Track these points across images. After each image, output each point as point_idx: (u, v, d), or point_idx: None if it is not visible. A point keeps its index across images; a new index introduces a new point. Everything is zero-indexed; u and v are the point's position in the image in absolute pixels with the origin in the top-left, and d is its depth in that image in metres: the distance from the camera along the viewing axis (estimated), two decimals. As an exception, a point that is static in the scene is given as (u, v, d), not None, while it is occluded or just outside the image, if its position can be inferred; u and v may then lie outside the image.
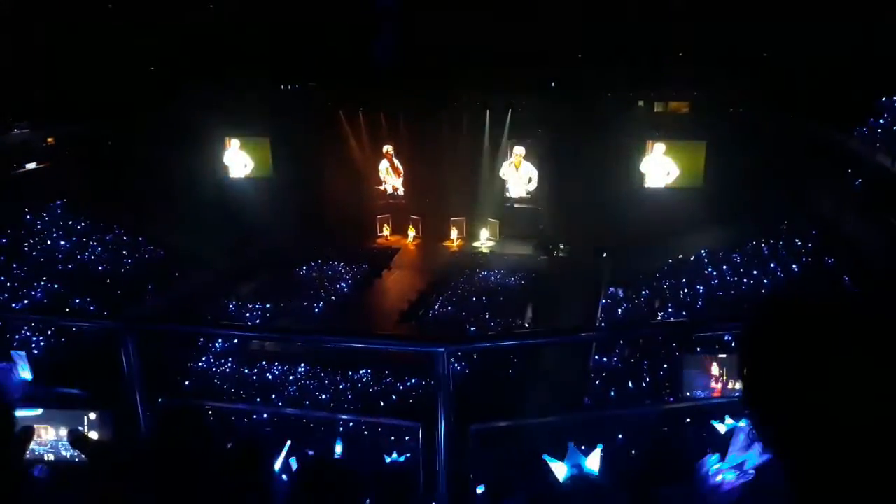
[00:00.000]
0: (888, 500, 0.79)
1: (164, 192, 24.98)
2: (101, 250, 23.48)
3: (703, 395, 2.82)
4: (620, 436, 9.59)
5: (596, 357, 16.99)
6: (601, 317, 20.50)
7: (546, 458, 3.84)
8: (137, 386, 3.14)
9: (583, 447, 4.58)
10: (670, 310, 19.59)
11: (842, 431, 0.81)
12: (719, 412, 4.90)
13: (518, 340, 3.23)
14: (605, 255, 24.50)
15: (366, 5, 30.13)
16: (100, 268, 22.59)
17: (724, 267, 21.12)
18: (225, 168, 30.63)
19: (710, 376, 2.86)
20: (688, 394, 2.81)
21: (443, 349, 2.89)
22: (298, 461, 4.19)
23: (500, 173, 29.43)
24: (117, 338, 3.05)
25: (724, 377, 2.79)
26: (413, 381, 16.19)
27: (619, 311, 20.43)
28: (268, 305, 22.26)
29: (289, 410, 9.95)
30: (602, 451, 4.27)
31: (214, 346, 18.66)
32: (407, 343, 3.08)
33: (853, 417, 0.80)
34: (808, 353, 0.84)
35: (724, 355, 2.78)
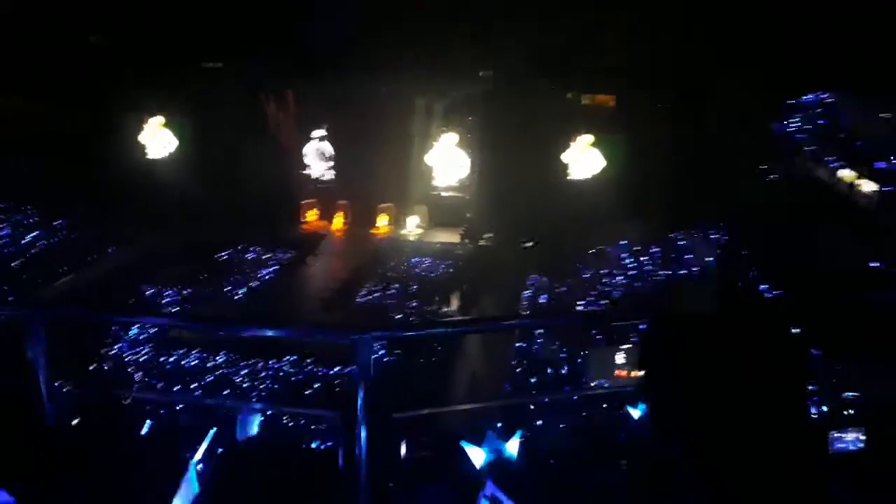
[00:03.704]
0: (755, 465, 0.89)
1: (78, 171, 23.83)
2: (9, 231, 22.31)
3: (607, 385, 2.98)
4: (539, 421, 9.85)
5: (517, 344, 17.32)
6: (524, 304, 20.88)
7: (464, 444, 3.91)
8: (42, 374, 3.02)
9: (503, 433, 4.68)
10: (592, 298, 20.15)
11: (720, 415, 0.90)
12: (634, 398, 5.10)
13: (440, 329, 3.25)
14: (529, 244, 24.90)
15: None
16: (5, 251, 21.47)
17: (643, 258, 21.85)
18: (143, 148, 29.47)
19: (614, 366, 3.02)
20: (592, 384, 2.97)
21: (365, 337, 2.89)
22: (220, 449, 4.12)
23: (428, 160, 29.41)
24: (23, 324, 2.93)
25: (629, 367, 2.96)
26: (337, 368, 16.07)
27: (542, 299, 20.86)
28: (186, 291, 21.63)
29: (207, 400, 9.76)
30: (521, 437, 4.38)
31: (130, 333, 18.04)
32: (328, 331, 3.07)
33: (730, 402, 0.89)
34: (690, 349, 0.93)
35: (629, 346, 2.94)
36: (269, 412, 10.45)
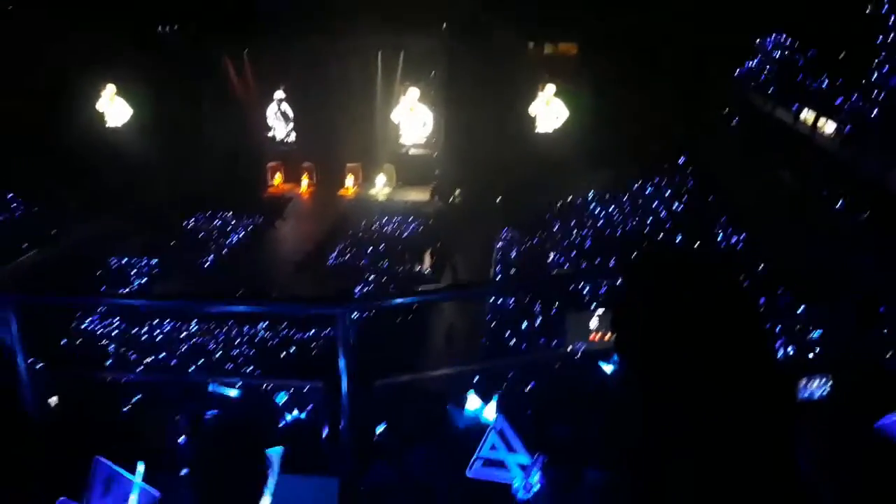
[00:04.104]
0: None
1: (34, 142, 23.10)
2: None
3: (583, 347, 3.11)
4: (518, 375, 10.02)
5: (492, 300, 17.51)
6: (497, 259, 21.04)
7: (450, 408, 3.99)
8: (19, 360, 3.01)
9: (482, 391, 4.77)
10: (562, 248, 20.38)
11: (688, 368, 0.98)
12: (606, 354, 5.23)
13: (417, 297, 3.28)
14: (499, 198, 24.96)
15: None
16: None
17: (612, 208, 22.07)
18: (101, 116, 28.68)
19: (588, 330, 3.14)
20: (570, 347, 3.08)
21: (343, 310, 2.91)
22: (199, 422, 4.16)
23: (393, 118, 29.08)
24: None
25: (602, 330, 3.09)
26: (313, 332, 16.06)
27: (514, 253, 21.03)
28: (154, 261, 21.33)
29: (186, 374, 9.74)
30: (499, 397, 4.47)
31: (101, 306, 17.79)
32: (306, 306, 3.08)
33: (691, 360, 0.98)
34: (659, 306, 1.01)
35: (602, 311, 3.05)
36: (250, 382, 10.49)
